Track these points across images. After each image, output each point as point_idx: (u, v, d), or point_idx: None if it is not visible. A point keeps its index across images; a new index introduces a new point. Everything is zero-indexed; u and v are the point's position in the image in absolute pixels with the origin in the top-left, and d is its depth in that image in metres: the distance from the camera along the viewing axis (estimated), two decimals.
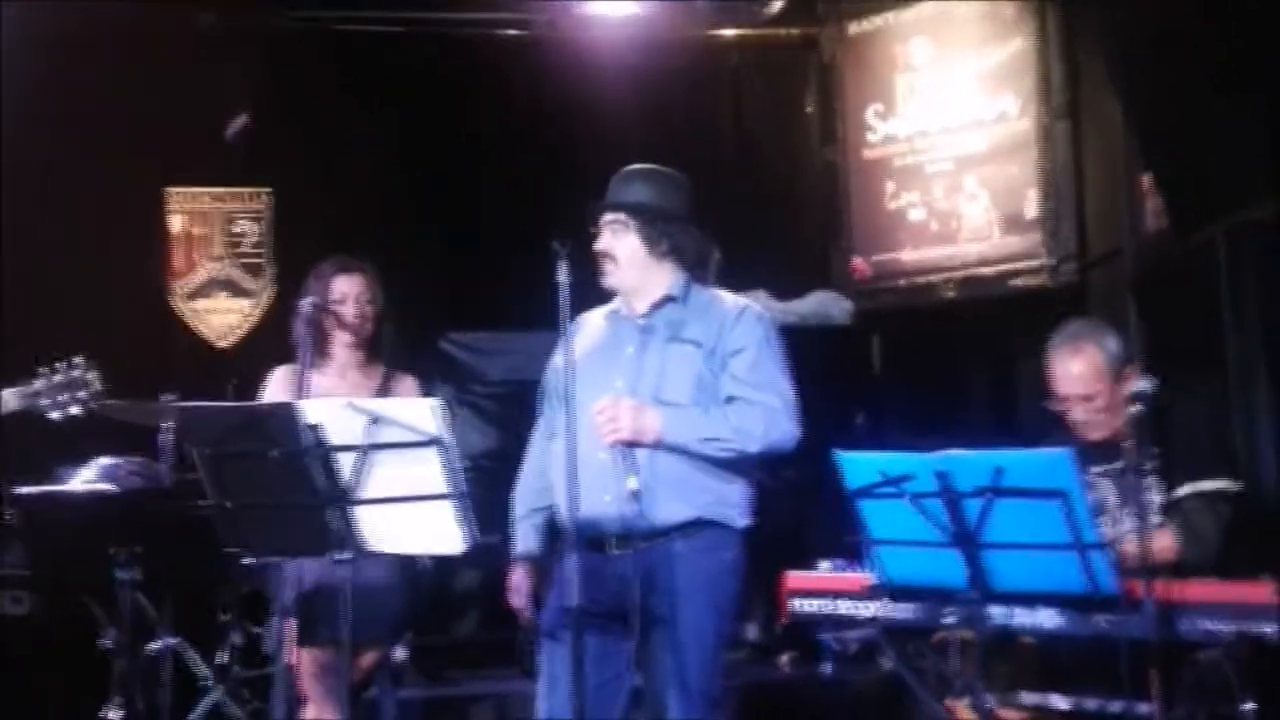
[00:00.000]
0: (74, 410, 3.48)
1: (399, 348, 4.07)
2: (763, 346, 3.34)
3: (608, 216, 3.40)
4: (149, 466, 4.56)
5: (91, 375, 3.47)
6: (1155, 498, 3.37)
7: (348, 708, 3.30)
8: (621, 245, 3.38)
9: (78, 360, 3.48)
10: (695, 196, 3.48)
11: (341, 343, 4.01)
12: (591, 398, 3.23)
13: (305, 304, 3.82)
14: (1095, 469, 3.42)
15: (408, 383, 4.02)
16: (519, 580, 3.41)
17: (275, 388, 3.96)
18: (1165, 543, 3.22)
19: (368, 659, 3.87)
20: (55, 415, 3.49)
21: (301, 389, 3.67)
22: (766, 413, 3.26)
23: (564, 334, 3.22)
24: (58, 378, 3.47)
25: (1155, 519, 3.33)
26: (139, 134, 5.93)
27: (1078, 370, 3.43)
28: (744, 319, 3.36)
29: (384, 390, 3.95)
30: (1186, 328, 4.81)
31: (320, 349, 3.95)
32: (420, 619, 4.28)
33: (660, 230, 3.37)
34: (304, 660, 3.70)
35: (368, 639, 3.71)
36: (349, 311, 3.97)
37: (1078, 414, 3.43)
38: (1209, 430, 3.50)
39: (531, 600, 3.39)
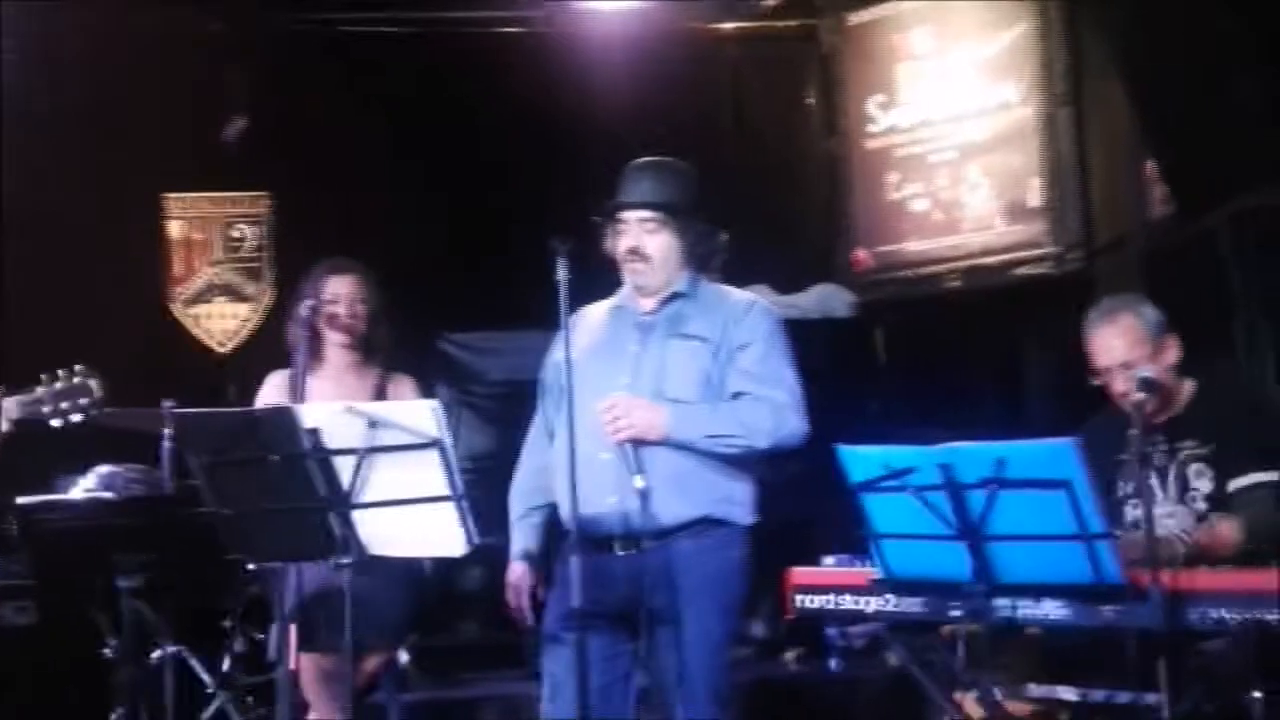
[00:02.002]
0: (75, 418, 3.47)
1: (395, 349, 4.04)
2: (770, 341, 3.30)
3: (642, 214, 3.31)
4: (149, 474, 4.55)
5: (93, 383, 3.47)
6: (1204, 485, 3.30)
7: (351, 712, 3.27)
8: (654, 243, 3.31)
9: (79, 368, 3.47)
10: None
11: (336, 344, 3.98)
12: (595, 396, 3.20)
13: (302, 308, 3.81)
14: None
15: (405, 384, 4.00)
16: (517, 580, 3.36)
17: (270, 393, 3.94)
18: (1229, 532, 3.15)
19: (371, 663, 3.85)
20: (56, 423, 3.49)
21: (298, 393, 3.65)
22: (775, 408, 3.23)
23: (564, 333, 3.18)
24: (58, 385, 3.47)
25: (1201, 506, 3.28)
26: (137, 139, 5.94)
27: (1116, 339, 3.35)
28: (751, 313, 3.33)
29: (380, 392, 3.92)
30: (1194, 314, 4.76)
31: (315, 352, 3.92)
32: (423, 622, 4.26)
33: (694, 229, 3.33)
34: (306, 666, 3.69)
35: (371, 643, 3.69)
36: (341, 312, 3.95)
37: (1119, 385, 3.33)
38: (1265, 419, 3.42)
39: (530, 601, 3.35)
